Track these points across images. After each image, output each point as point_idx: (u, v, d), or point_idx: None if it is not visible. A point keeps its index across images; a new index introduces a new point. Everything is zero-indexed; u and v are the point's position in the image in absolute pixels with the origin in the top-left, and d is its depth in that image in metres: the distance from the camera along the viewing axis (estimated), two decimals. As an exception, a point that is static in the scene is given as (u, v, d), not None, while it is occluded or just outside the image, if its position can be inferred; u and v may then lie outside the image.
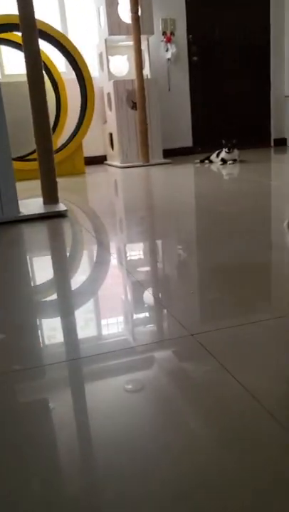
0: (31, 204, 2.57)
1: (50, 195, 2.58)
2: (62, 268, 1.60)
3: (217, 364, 0.82)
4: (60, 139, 4.90)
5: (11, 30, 4.32)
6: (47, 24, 4.39)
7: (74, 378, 0.83)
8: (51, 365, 0.88)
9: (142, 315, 1.12)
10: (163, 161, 5.19)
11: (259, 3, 5.96)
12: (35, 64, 2.43)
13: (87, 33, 5.50)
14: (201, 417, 0.68)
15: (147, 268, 1.51)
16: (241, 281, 1.29)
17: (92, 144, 5.50)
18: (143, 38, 5.01)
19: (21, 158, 4.61)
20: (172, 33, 5.64)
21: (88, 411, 0.72)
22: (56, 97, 4.96)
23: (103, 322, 1.10)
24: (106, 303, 1.24)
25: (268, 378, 0.77)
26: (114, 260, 1.60)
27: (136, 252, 1.74)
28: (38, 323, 1.11)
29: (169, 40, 5.61)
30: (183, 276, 1.39)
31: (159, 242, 1.88)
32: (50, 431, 0.68)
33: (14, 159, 4.37)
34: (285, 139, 6.25)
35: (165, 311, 1.12)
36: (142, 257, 1.66)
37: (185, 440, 0.63)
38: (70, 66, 4.76)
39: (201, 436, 0.63)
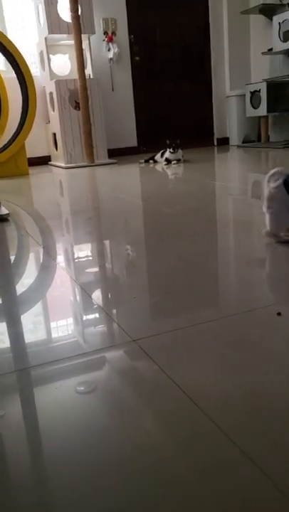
0: (-29, 208, 2.49)
1: (-9, 198, 2.50)
2: (2, 275, 1.55)
3: (157, 368, 0.83)
4: (1, 139, 4.77)
5: None
6: (-16, 21, 4.25)
7: (16, 387, 0.81)
8: (-9, 379, 0.85)
9: (84, 321, 1.11)
10: (108, 161, 5.17)
11: (198, 4, 6.06)
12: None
13: (26, 31, 5.39)
14: (143, 417, 0.68)
15: (91, 272, 1.50)
16: (185, 284, 1.31)
17: (35, 144, 5.40)
18: (84, 37, 4.96)
19: None
20: (114, 33, 5.63)
21: (35, 417, 0.71)
22: (-4, 96, 4.82)
23: (44, 329, 1.08)
24: (48, 309, 1.22)
25: (204, 379, 0.78)
26: (57, 264, 1.58)
27: (80, 255, 1.72)
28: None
29: (110, 40, 5.60)
30: (127, 280, 1.39)
31: (104, 245, 1.87)
32: (-12, 450, 0.66)
33: None
34: (227, 138, 6.40)
35: (107, 316, 1.11)
36: (86, 260, 1.65)
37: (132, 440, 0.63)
38: (9, 64, 4.63)
39: (146, 436, 0.63)
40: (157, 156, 4.88)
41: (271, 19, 5.37)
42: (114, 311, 1.15)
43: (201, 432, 0.65)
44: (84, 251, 1.78)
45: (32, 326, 1.09)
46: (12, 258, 1.74)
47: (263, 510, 0.52)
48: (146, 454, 0.62)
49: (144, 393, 0.76)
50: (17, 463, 0.63)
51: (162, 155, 4.80)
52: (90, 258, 1.68)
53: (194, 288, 1.26)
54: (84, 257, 1.69)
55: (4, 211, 2.41)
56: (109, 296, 1.27)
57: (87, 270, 1.52)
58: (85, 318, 1.13)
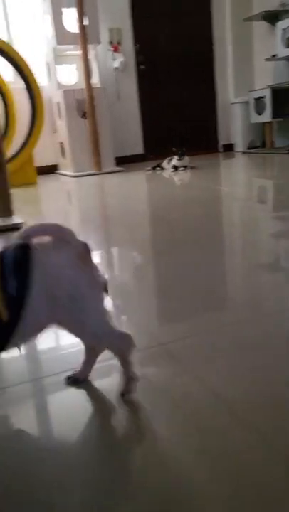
0: (-16, 218, 2.54)
1: (4, 207, 2.56)
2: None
3: (182, 369, 0.86)
4: (10, 149, 4.84)
5: None
6: (-8, 34, 4.33)
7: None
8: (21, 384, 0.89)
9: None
10: (115, 168, 5.23)
11: (202, 12, 6.13)
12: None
13: (33, 42, 5.47)
14: (168, 415, 0.72)
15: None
16: (195, 288, 1.34)
17: (43, 153, 5.47)
18: (90, 47, 5.04)
19: None
20: (119, 43, 5.70)
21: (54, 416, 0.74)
22: (4, 106, 4.89)
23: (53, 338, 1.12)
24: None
25: (226, 380, 0.82)
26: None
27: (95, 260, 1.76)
28: None
29: (116, 50, 5.67)
30: (137, 286, 1.43)
31: (113, 252, 1.91)
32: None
33: None
34: (232, 145, 6.45)
35: (127, 320, 1.15)
36: (98, 265, 1.69)
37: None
38: (17, 75, 4.71)
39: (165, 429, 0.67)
40: (164, 163, 4.93)
41: (274, 25, 5.43)
42: (128, 316, 1.18)
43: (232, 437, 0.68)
44: (95, 258, 1.82)
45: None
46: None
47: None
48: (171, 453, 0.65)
49: (170, 396, 0.80)
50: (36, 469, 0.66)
51: (169, 162, 4.85)
52: (99, 265, 1.72)
53: (205, 292, 1.30)
54: (96, 264, 1.73)
55: (18, 220, 2.46)
56: (120, 302, 1.31)
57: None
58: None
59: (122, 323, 1.15)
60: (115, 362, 0.81)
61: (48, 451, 0.68)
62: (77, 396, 0.82)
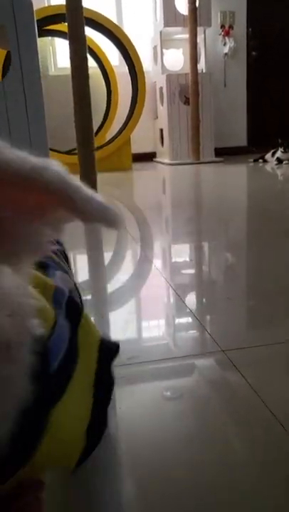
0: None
1: (89, 186, 2.44)
2: (98, 268, 1.45)
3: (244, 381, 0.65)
4: (108, 133, 4.78)
5: (62, 21, 4.22)
6: (102, 16, 4.27)
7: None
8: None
9: (173, 325, 0.95)
10: (214, 159, 4.95)
11: None
12: (80, 54, 2.29)
13: (142, 26, 5.35)
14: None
15: (186, 273, 1.33)
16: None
17: (142, 140, 5.34)
18: (200, 30, 4.79)
19: (69, 153, 4.52)
20: (231, 27, 5.39)
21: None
22: (107, 90, 4.84)
23: (133, 329, 0.96)
24: (139, 309, 1.09)
25: None
26: (152, 263, 1.43)
27: (177, 255, 1.56)
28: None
29: (227, 34, 5.36)
30: (224, 284, 1.20)
31: (203, 246, 1.68)
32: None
33: (61, 153, 4.30)
34: None
35: (198, 323, 0.93)
36: (183, 261, 1.49)
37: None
38: (122, 59, 4.63)
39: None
40: (268, 156, 4.57)
41: None
42: (207, 317, 0.97)
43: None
44: (181, 251, 1.61)
45: (121, 324, 0.96)
46: (110, 254, 1.64)
47: None
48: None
49: (229, 406, 0.63)
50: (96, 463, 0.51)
51: (273, 154, 4.48)
52: (187, 259, 1.51)
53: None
54: (180, 258, 1.53)
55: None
56: (203, 300, 1.09)
57: (183, 271, 1.35)
58: (175, 321, 0.97)
59: (206, 323, 0.94)
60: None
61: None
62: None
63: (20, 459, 0.28)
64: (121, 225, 0.22)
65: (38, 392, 0.28)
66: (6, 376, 0.26)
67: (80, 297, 0.40)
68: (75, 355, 0.31)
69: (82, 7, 2.24)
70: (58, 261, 0.40)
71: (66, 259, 0.49)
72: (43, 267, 0.36)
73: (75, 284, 0.39)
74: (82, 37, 2.27)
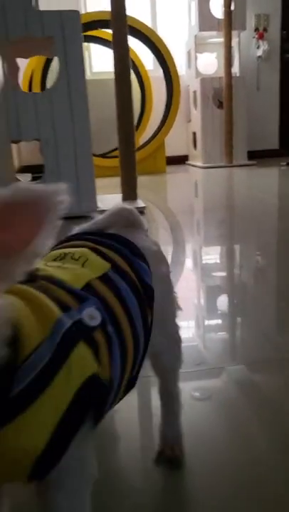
0: (110, 199, 2.51)
1: (130, 191, 2.51)
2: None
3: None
4: (142, 136, 4.85)
5: (98, 28, 4.32)
6: (137, 20, 4.34)
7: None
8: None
9: (203, 329, 0.99)
10: (247, 162, 4.96)
11: None
12: (123, 62, 2.35)
13: (176, 30, 5.41)
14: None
15: (218, 276, 1.37)
16: None
17: (174, 143, 5.39)
18: (234, 34, 4.81)
19: (104, 155, 4.61)
20: (265, 29, 5.38)
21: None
22: (142, 94, 4.91)
23: None
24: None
25: None
26: (185, 265, 1.48)
27: (209, 258, 1.61)
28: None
29: (261, 37, 5.37)
30: (255, 289, 1.24)
31: (235, 249, 1.73)
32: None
33: (96, 156, 4.39)
34: None
35: (229, 326, 0.98)
36: (214, 263, 1.53)
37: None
38: (156, 64, 4.69)
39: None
40: (301, 159, 4.55)
41: None
42: (238, 320, 1.01)
43: None
44: (213, 254, 1.66)
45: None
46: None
47: None
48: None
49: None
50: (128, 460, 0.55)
51: (307, 158, 4.46)
52: (218, 262, 1.56)
53: None
54: (212, 261, 1.58)
55: (141, 204, 2.39)
56: (235, 304, 1.14)
57: (214, 274, 1.40)
58: (205, 324, 1.01)
59: (238, 328, 0.98)
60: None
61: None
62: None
63: None
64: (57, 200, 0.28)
65: None
66: None
67: (107, 331, 0.41)
68: (47, 380, 0.34)
69: (126, 15, 2.31)
70: (103, 296, 0.43)
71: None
72: (81, 299, 0.40)
73: (103, 319, 0.41)
74: (126, 44, 2.34)
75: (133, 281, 0.47)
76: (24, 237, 0.28)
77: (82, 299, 0.40)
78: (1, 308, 0.32)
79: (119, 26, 2.30)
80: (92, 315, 0.40)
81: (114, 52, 2.35)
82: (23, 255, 0.28)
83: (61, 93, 2.13)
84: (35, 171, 3.87)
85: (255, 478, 0.56)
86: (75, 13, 2.09)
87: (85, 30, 4.42)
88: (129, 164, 2.47)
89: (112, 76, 2.37)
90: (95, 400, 0.37)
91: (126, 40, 2.35)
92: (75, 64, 2.12)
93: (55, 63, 2.43)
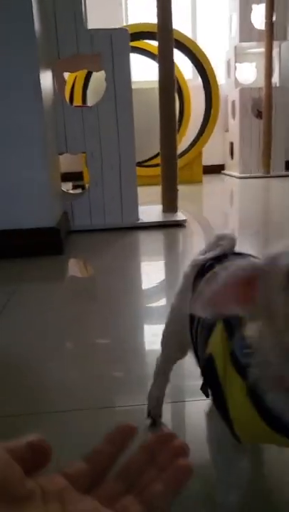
0: (150, 211, 2.55)
1: (170, 203, 2.54)
2: (172, 281, 1.53)
3: None
4: (180, 145, 4.88)
5: (139, 39, 4.39)
6: (177, 31, 4.38)
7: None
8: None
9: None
10: (284, 173, 4.93)
11: None
12: (169, 74, 2.40)
13: (216, 40, 5.43)
14: None
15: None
16: None
17: (211, 152, 5.40)
18: (275, 44, 4.80)
19: (140, 164, 4.66)
20: (306, 40, 5.34)
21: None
22: (180, 103, 4.95)
23: None
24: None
25: None
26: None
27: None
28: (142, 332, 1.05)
29: (302, 47, 5.32)
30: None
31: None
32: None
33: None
34: None
35: None
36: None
37: None
38: (195, 73, 4.72)
39: None
40: None
41: None
42: None
43: None
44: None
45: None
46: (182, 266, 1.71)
47: None
48: None
49: None
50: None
51: None
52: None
53: None
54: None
55: (181, 217, 2.42)
56: None
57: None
58: None
59: None
60: None
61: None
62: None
63: None
64: None
65: None
66: None
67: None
68: None
69: (172, 29, 2.36)
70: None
71: None
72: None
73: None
74: (172, 58, 2.39)
75: None
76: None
77: None
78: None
79: (165, 40, 2.35)
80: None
81: (160, 65, 2.40)
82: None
83: (108, 107, 2.19)
84: (74, 179, 3.96)
85: None
86: (124, 31, 2.14)
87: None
88: (171, 177, 2.51)
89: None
90: None
91: (172, 54, 2.40)
92: (122, 79, 2.18)
93: (97, 76, 2.50)
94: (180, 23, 5.03)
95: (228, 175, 5.29)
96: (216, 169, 5.63)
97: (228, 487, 0.52)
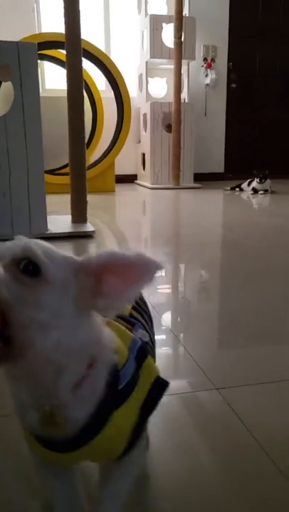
0: (60, 221, 2.58)
1: (79, 214, 2.59)
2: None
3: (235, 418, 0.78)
4: (92, 155, 4.94)
5: (52, 48, 4.41)
6: (90, 43, 4.46)
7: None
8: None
9: (165, 361, 1.08)
10: (193, 185, 5.18)
11: (302, 35, 5.95)
12: (77, 83, 2.46)
13: (129, 54, 5.58)
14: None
15: (168, 307, 1.48)
16: (268, 330, 1.24)
17: (123, 162, 5.53)
18: (184, 62, 5.04)
19: (52, 172, 4.65)
20: (213, 60, 5.67)
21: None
22: (93, 114, 5.02)
23: None
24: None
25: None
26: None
27: (158, 287, 1.71)
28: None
29: (209, 66, 5.64)
30: (207, 321, 1.35)
31: (180, 273, 1.85)
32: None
33: (45, 172, 4.43)
34: None
35: (193, 362, 1.08)
36: (162, 291, 1.63)
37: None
38: (108, 84, 4.82)
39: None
40: (244, 185, 4.80)
41: None
42: (185, 348, 1.11)
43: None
44: (163, 282, 1.76)
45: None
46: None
47: None
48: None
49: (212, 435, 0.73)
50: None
51: (249, 184, 4.71)
52: (168, 289, 1.66)
53: (279, 335, 1.20)
54: (162, 287, 1.68)
55: (90, 228, 2.47)
56: (191, 339, 1.24)
57: (163, 302, 1.50)
58: (167, 358, 1.10)
59: (179, 356, 1.08)
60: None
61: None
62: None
63: (85, 438, 0.45)
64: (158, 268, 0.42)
65: (109, 398, 0.45)
66: (89, 381, 0.44)
67: (153, 345, 0.60)
68: (134, 384, 0.48)
69: (80, 37, 2.42)
70: (144, 324, 0.59)
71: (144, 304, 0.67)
72: (132, 324, 0.55)
73: (150, 337, 0.58)
74: (79, 68, 2.45)
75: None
76: (126, 284, 0.42)
77: (132, 323, 0.56)
78: (110, 333, 0.47)
79: (73, 49, 2.41)
80: (144, 334, 0.55)
81: (68, 76, 2.45)
82: (123, 297, 0.42)
83: (15, 119, 2.19)
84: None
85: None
86: (32, 44, 2.17)
87: (40, 50, 4.49)
88: (80, 188, 2.56)
89: (64, 93, 2.48)
90: (160, 395, 0.51)
91: (80, 65, 2.46)
92: (30, 90, 2.19)
93: (6, 86, 2.49)
94: (93, 36, 5.12)
95: (141, 185, 5.44)
96: (129, 179, 5.77)
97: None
